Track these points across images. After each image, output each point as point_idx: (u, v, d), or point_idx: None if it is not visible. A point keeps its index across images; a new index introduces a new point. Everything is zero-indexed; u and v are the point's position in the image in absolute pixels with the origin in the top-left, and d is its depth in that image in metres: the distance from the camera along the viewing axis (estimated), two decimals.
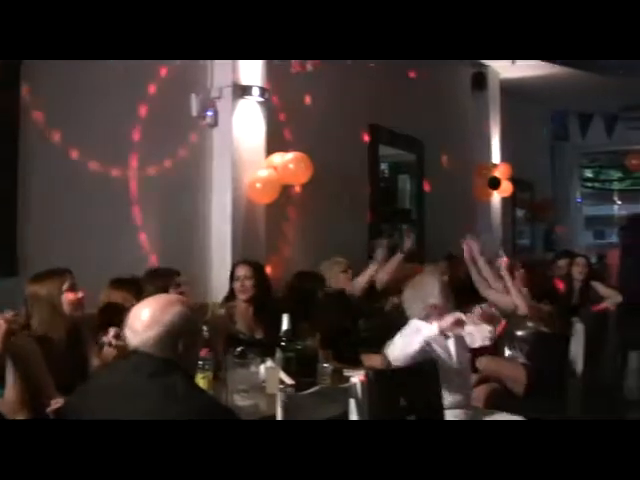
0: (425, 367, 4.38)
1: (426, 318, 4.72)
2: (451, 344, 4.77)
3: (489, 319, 6.62)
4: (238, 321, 5.46)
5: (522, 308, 6.10)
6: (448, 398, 4.55)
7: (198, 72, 6.31)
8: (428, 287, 4.83)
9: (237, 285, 5.54)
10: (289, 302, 5.91)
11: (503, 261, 6.35)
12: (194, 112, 6.26)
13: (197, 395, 2.68)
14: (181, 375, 2.63)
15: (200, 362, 3.99)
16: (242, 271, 5.57)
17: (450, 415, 4.47)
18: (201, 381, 3.98)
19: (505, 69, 10.95)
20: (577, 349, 6.19)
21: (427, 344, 4.56)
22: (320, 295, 6.12)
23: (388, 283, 6.87)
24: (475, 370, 5.85)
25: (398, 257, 6.93)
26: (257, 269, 5.65)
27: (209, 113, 6.31)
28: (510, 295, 6.16)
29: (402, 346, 4.55)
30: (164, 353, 2.64)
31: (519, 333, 6.31)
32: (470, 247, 6.84)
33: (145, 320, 2.65)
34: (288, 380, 4.28)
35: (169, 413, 2.50)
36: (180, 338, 2.67)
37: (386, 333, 5.47)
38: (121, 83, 5.65)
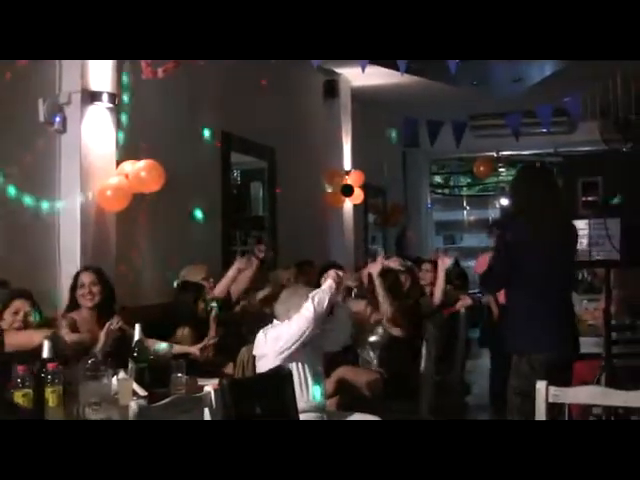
0: (280, 373, 4.41)
1: None
2: (307, 349, 4.84)
3: None
4: (82, 331, 5.31)
5: (389, 313, 6.29)
6: (304, 402, 4.59)
7: (46, 77, 6.14)
8: (295, 301, 4.94)
9: (83, 292, 5.45)
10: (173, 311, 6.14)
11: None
12: (41, 118, 6.08)
13: None
14: None
15: (49, 376, 3.90)
16: (88, 278, 5.50)
17: (305, 419, 4.50)
18: (51, 395, 3.88)
19: (356, 77, 11.12)
20: (429, 351, 6.33)
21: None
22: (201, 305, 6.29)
23: (240, 293, 6.95)
24: (329, 376, 5.92)
25: (248, 273, 6.96)
26: (101, 275, 5.59)
27: (57, 119, 6.14)
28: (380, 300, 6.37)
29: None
30: None
31: (372, 339, 6.42)
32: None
33: None
34: (141, 391, 4.22)
35: None
36: None
37: (239, 340, 5.56)
38: None
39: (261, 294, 6.97)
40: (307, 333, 4.77)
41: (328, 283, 5.00)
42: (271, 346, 4.77)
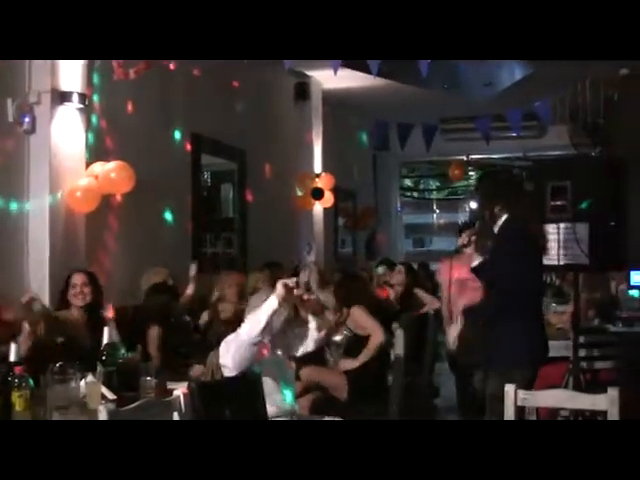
0: (249, 376, 4.38)
1: None
2: (274, 352, 4.80)
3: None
4: (72, 331, 5.37)
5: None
6: (273, 406, 4.57)
7: (15, 76, 6.08)
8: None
9: (74, 292, 5.59)
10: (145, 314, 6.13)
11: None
12: (10, 118, 6.03)
13: None
14: None
15: (16, 380, 3.86)
16: (80, 279, 5.64)
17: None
18: (17, 400, 3.84)
19: (327, 80, 11.10)
20: (398, 353, 6.34)
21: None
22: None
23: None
24: (298, 378, 5.90)
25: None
26: (93, 277, 5.76)
27: (26, 119, 6.09)
28: None
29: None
30: None
31: (336, 338, 6.42)
32: None
33: None
34: (110, 395, 4.19)
35: None
36: None
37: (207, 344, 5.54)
38: None
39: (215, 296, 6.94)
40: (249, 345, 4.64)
41: (271, 303, 4.53)
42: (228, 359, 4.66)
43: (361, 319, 6.43)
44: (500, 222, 4.93)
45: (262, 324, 4.48)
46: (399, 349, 6.36)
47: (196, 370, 5.43)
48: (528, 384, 4.29)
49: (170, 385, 4.55)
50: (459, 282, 6.82)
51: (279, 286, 4.58)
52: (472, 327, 6.26)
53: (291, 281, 4.65)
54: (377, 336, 6.31)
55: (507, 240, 4.86)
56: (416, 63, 6.29)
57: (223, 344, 4.82)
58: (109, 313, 5.75)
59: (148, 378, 4.41)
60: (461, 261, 6.17)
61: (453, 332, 6.91)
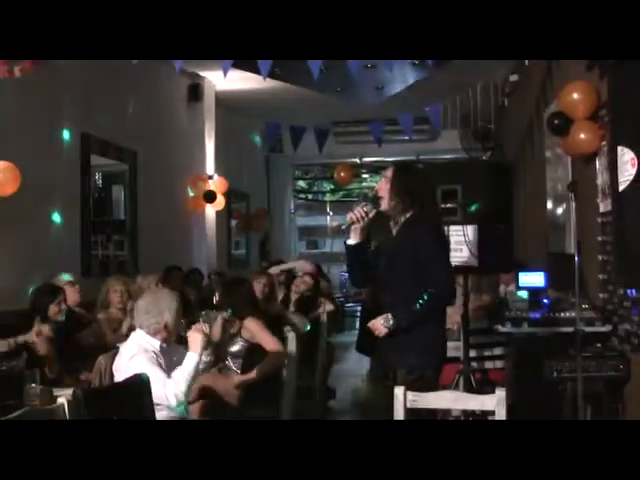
0: (136, 382, 4.30)
1: (154, 334, 4.66)
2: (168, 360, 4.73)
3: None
4: None
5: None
6: (164, 412, 4.49)
7: None
8: (164, 304, 4.73)
9: None
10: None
11: None
12: None
13: None
14: None
15: None
16: None
17: None
18: None
19: (221, 81, 11.04)
20: (290, 356, 6.32)
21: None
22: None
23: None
24: None
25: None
26: None
27: None
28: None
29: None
30: None
31: (233, 349, 6.35)
32: None
33: None
34: None
35: None
36: None
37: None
38: None
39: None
40: None
41: (194, 361, 4.56)
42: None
43: (256, 333, 6.31)
44: (407, 215, 4.74)
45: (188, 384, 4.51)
46: (292, 351, 6.35)
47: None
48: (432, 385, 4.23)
49: (56, 392, 4.43)
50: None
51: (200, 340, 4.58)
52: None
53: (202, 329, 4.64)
54: (275, 352, 6.18)
55: (413, 235, 4.60)
56: (308, 66, 6.29)
57: (127, 351, 4.70)
58: None
59: (33, 385, 4.29)
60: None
61: None
